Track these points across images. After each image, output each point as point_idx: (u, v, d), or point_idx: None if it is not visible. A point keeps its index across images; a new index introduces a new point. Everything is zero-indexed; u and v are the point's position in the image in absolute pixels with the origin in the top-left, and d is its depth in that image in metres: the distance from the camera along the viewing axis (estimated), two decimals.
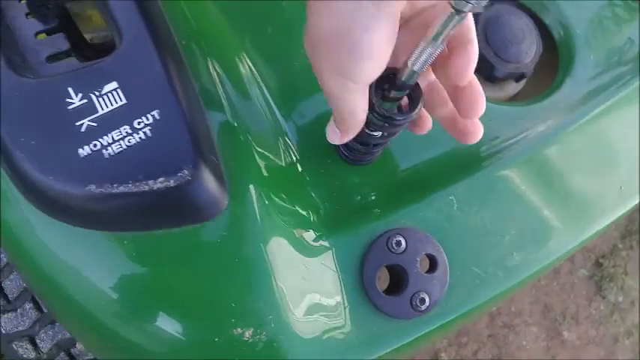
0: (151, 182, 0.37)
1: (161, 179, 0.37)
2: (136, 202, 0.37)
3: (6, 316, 0.62)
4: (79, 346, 0.64)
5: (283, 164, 0.49)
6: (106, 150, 0.37)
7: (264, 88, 0.52)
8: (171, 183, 0.37)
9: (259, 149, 0.47)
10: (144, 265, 0.39)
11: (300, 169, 0.51)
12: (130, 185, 0.36)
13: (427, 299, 0.46)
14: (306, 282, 0.44)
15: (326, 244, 0.46)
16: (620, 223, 1.72)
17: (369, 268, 0.46)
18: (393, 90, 0.40)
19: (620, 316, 1.61)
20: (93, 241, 0.39)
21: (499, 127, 0.56)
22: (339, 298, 0.45)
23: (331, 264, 0.46)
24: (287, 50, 0.55)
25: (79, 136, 0.37)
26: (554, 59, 0.66)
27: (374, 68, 0.34)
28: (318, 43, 0.34)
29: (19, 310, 0.62)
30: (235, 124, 0.46)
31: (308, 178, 0.50)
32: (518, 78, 0.62)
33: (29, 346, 0.61)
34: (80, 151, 0.37)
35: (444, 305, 0.48)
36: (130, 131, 0.37)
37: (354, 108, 0.38)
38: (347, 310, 0.45)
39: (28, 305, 0.62)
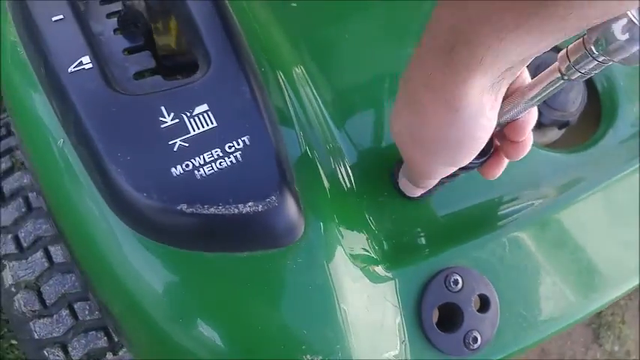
0: (240, 206, 0.38)
1: (250, 203, 0.38)
2: (224, 224, 0.38)
3: (41, 321, 0.61)
4: (110, 356, 0.64)
5: (343, 189, 0.50)
6: (198, 171, 0.38)
7: (323, 107, 0.53)
8: (260, 208, 0.38)
9: (324, 171, 0.48)
10: (224, 287, 0.40)
11: (358, 195, 0.52)
12: (220, 207, 0.37)
13: (479, 338, 0.47)
14: (370, 314, 0.45)
15: (390, 275, 0.47)
16: None
17: (427, 305, 0.47)
18: None
19: None
20: (176, 259, 0.39)
21: (547, 173, 0.58)
22: (398, 333, 0.46)
23: (393, 298, 0.47)
24: (345, 73, 0.57)
25: (172, 155, 0.38)
26: (595, 110, 0.68)
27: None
28: (429, 144, 0.35)
29: (55, 316, 0.62)
30: (306, 148, 0.47)
31: (365, 204, 0.51)
32: (562, 125, 0.65)
33: (60, 354, 0.61)
34: (173, 170, 0.38)
35: (494, 345, 0.49)
36: (221, 154, 0.39)
37: (438, 178, 0.40)
38: (405, 344, 0.46)
39: (65, 312, 0.62)
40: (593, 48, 0.28)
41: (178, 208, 0.37)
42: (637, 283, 0.54)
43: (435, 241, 0.52)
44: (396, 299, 0.46)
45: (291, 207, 0.39)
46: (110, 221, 0.39)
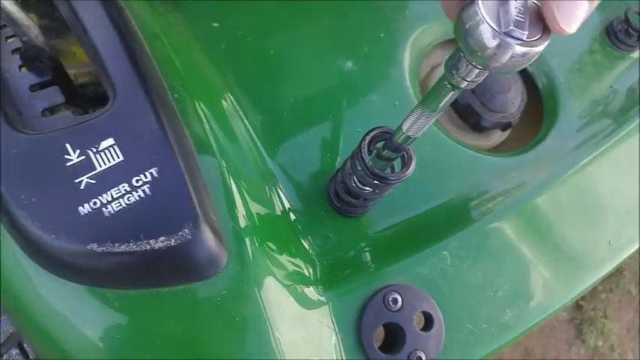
0: (152, 241, 0.36)
1: (162, 238, 0.36)
2: (137, 261, 0.36)
3: None
4: None
5: (276, 213, 0.49)
6: (106, 208, 0.36)
7: (253, 134, 0.52)
8: (172, 242, 0.36)
9: (252, 198, 0.47)
10: (143, 323, 0.38)
11: (292, 217, 0.51)
12: (131, 244, 0.36)
13: (424, 357, 0.46)
14: (305, 340, 0.43)
15: (323, 299, 0.46)
16: None
17: (366, 327, 0.46)
18: (387, 150, 0.41)
19: None
20: (91, 298, 0.38)
21: (488, 179, 0.57)
22: (337, 355, 0.44)
23: (328, 320, 0.45)
24: (274, 94, 0.56)
25: (79, 193, 0.36)
26: (540, 106, 0.68)
27: None
28: None
29: (4, 356, 0.60)
30: (229, 174, 0.45)
31: (300, 228, 0.50)
32: (505, 127, 0.64)
33: None
34: (80, 209, 0.36)
35: None
36: (128, 189, 0.37)
37: None
38: None
39: (15, 351, 0.61)
40: (468, 54, 0.28)
41: (88, 248, 0.35)
42: (577, 293, 0.53)
43: (373, 258, 0.50)
44: (331, 322, 0.45)
45: (207, 238, 0.38)
46: (25, 265, 0.38)
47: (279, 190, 0.50)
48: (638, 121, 0.62)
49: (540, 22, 0.26)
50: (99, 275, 0.37)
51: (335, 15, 0.63)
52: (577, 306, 1.67)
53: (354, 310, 0.46)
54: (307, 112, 0.56)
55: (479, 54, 0.26)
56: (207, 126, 0.47)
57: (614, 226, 0.57)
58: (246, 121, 0.53)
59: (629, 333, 1.68)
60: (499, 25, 0.25)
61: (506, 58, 0.26)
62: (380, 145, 0.43)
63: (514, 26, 0.25)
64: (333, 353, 0.45)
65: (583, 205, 0.58)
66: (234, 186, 0.45)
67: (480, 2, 0.26)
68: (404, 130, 0.38)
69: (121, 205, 0.36)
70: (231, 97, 0.54)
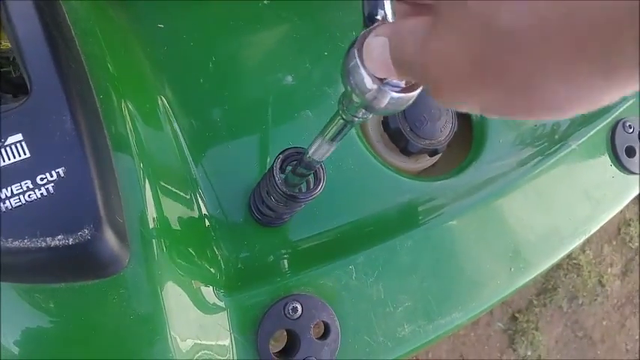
0: (48, 239, 0.37)
1: (59, 237, 0.38)
2: (32, 258, 0.37)
3: None
4: None
5: (191, 217, 0.51)
6: (4, 203, 0.37)
7: (180, 137, 0.53)
8: (70, 241, 0.38)
9: (167, 200, 0.48)
10: (39, 317, 0.40)
11: (207, 223, 0.52)
12: (25, 241, 0.37)
13: None
14: (201, 341, 0.45)
15: (222, 304, 0.48)
16: (537, 280, 1.82)
17: (263, 332, 0.48)
18: (299, 167, 0.43)
19: None
20: None
21: (406, 201, 0.60)
22: (231, 358, 0.47)
23: (225, 324, 0.47)
24: (209, 100, 0.57)
25: None
26: (467, 135, 0.71)
27: None
28: None
29: None
30: (145, 176, 0.47)
31: (214, 235, 0.52)
32: (432, 153, 0.67)
33: None
34: None
35: None
36: (31, 186, 0.38)
37: None
38: None
39: None
40: (353, 96, 0.28)
41: None
42: (475, 314, 0.57)
43: (283, 268, 0.53)
44: (229, 326, 0.47)
45: (107, 239, 0.39)
46: None
47: (199, 196, 0.52)
48: (554, 159, 0.65)
49: None
50: None
51: (281, 28, 0.64)
52: (513, 317, 1.73)
53: (254, 316, 0.49)
54: (240, 122, 0.57)
55: (360, 96, 0.27)
56: (130, 127, 0.48)
57: (516, 254, 0.60)
58: (175, 125, 0.54)
59: (557, 345, 1.76)
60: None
61: (385, 102, 0.26)
62: (294, 163, 0.45)
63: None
64: (228, 355, 0.47)
65: (491, 233, 0.61)
66: (148, 187, 0.46)
67: (355, 48, 0.26)
68: (309, 154, 0.40)
69: (20, 202, 0.37)
70: (164, 99, 0.55)
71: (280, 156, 0.45)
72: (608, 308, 1.86)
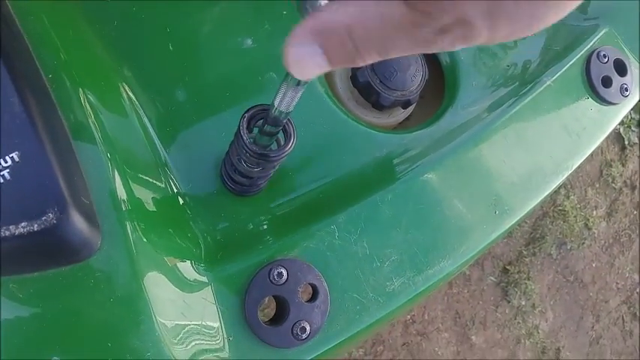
0: (12, 227, 0.36)
1: (23, 224, 0.36)
2: None
3: None
4: None
5: (163, 196, 0.49)
6: None
7: (144, 117, 0.52)
8: (35, 227, 0.36)
9: (136, 180, 0.46)
10: (15, 309, 0.38)
11: (181, 200, 0.51)
12: None
13: (308, 328, 0.48)
14: (186, 317, 0.44)
15: (204, 278, 0.46)
16: (525, 230, 1.84)
17: (250, 300, 0.47)
18: (267, 125, 0.42)
19: (522, 319, 1.72)
20: None
21: (382, 156, 0.59)
22: (220, 331, 0.46)
23: (211, 297, 0.46)
24: (168, 72, 0.55)
25: None
26: (440, 83, 0.70)
27: None
28: None
29: None
30: (109, 157, 0.45)
31: (189, 211, 0.51)
32: (405, 105, 0.66)
33: None
34: None
35: (326, 332, 0.49)
36: None
37: None
38: (229, 342, 0.46)
39: None
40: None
41: None
42: (464, 261, 0.56)
43: (264, 235, 0.52)
44: (215, 299, 0.46)
45: (75, 222, 0.38)
46: None
47: (169, 174, 0.51)
48: (529, 98, 0.65)
49: None
50: None
51: (239, 12, 0.62)
52: (504, 270, 1.76)
53: (239, 286, 0.48)
54: (203, 92, 0.56)
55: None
56: (87, 107, 0.46)
57: (499, 198, 0.60)
58: (135, 101, 0.52)
59: (549, 292, 1.79)
60: None
61: None
62: (261, 122, 0.44)
63: None
64: (216, 327, 0.46)
65: (473, 179, 0.60)
66: (115, 169, 0.45)
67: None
68: (275, 106, 0.39)
69: None
70: (122, 80, 0.53)
71: (246, 115, 0.43)
72: (597, 250, 1.90)
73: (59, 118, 0.42)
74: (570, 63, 0.69)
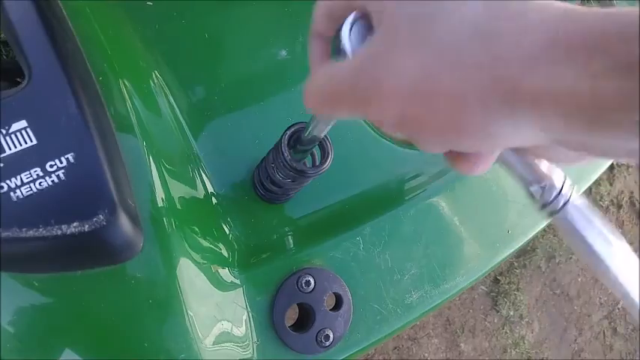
0: (64, 227, 0.37)
1: (75, 224, 0.37)
2: (48, 246, 0.36)
3: None
4: None
5: (198, 196, 0.50)
6: (15, 193, 0.36)
7: (180, 117, 0.53)
8: (86, 228, 0.37)
9: (174, 180, 0.47)
10: (58, 306, 0.39)
11: (214, 202, 0.52)
12: (41, 229, 0.36)
13: (331, 336, 0.49)
14: (218, 320, 0.45)
15: (237, 281, 0.48)
16: None
17: (278, 307, 0.48)
18: (300, 145, 0.43)
19: (509, 329, 1.75)
20: (4, 283, 0.38)
21: (405, 171, 0.61)
22: (249, 335, 0.47)
23: (242, 301, 0.47)
24: (204, 77, 0.56)
25: None
26: None
27: None
28: None
29: None
30: (150, 155, 0.46)
31: (222, 212, 0.52)
32: None
33: None
34: None
35: (347, 340, 0.51)
36: (41, 174, 0.37)
37: None
38: (256, 346, 0.47)
39: None
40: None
41: None
42: (476, 277, 0.58)
43: (292, 243, 0.53)
44: (245, 303, 0.47)
45: (122, 224, 0.39)
46: None
47: (203, 174, 0.51)
48: None
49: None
50: (8, 260, 0.38)
51: (273, 2, 0.62)
52: (495, 280, 1.79)
53: (268, 292, 0.49)
54: (237, 98, 0.56)
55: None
56: (130, 107, 0.47)
57: (513, 217, 0.62)
58: (173, 103, 0.53)
59: (537, 303, 1.83)
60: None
61: None
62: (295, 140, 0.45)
63: None
64: (245, 331, 0.47)
65: (489, 198, 0.62)
66: (154, 167, 0.46)
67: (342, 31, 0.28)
68: (309, 131, 0.40)
69: (31, 190, 0.37)
70: (159, 77, 0.54)
71: (287, 132, 0.45)
72: (583, 265, 1.94)
73: (107, 117, 0.43)
74: None
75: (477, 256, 0.59)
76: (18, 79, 0.61)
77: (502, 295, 1.77)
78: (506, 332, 1.75)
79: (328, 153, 0.44)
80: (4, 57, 0.50)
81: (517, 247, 0.62)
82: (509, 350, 1.74)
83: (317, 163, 0.45)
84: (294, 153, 0.44)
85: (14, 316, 0.38)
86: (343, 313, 0.51)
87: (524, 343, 1.77)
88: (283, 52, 0.59)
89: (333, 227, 0.54)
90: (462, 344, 1.68)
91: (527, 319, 1.79)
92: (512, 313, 1.78)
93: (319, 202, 0.55)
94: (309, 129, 0.39)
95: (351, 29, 0.27)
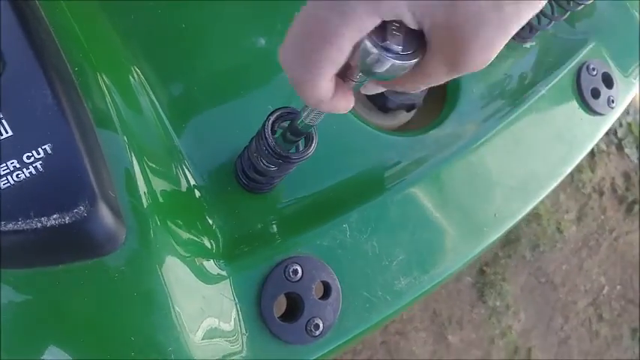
0: (43, 219, 0.36)
1: (55, 216, 0.36)
2: (28, 240, 0.36)
3: None
4: None
5: (181, 189, 0.49)
6: None
7: (159, 108, 0.52)
8: (66, 220, 0.36)
9: (155, 173, 0.47)
10: (39, 302, 0.38)
11: (198, 194, 0.51)
12: (20, 223, 0.35)
13: (321, 325, 0.49)
14: (205, 312, 0.44)
15: (224, 273, 0.47)
16: None
17: (266, 297, 0.48)
18: (290, 133, 0.42)
19: (496, 319, 1.76)
20: None
21: (389, 157, 0.61)
22: (237, 327, 0.46)
23: (229, 293, 0.47)
24: (183, 68, 0.55)
25: None
26: (444, 89, 0.72)
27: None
28: None
29: None
30: (131, 149, 0.45)
31: (206, 205, 0.51)
32: (409, 108, 0.68)
33: None
34: None
35: (337, 329, 0.51)
36: (18, 166, 0.36)
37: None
38: (245, 337, 0.47)
39: None
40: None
41: None
42: (464, 263, 0.58)
43: (278, 232, 0.52)
44: (232, 294, 0.47)
45: (104, 215, 0.38)
46: None
47: (185, 167, 0.51)
48: (525, 107, 0.67)
49: (415, 38, 0.29)
50: None
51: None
52: (480, 271, 1.80)
53: (255, 282, 0.48)
54: (217, 89, 0.56)
55: (360, 60, 0.29)
56: (109, 100, 0.46)
57: (499, 201, 0.62)
58: (152, 96, 0.52)
59: (522, 293, 1.84)
60: (378, 39, 0.28)
61: (385, 67, 0.28)
62: (285, 124, 0.44)
63: (390, 41, 0.27)
64: (233, 323, 0.46)
65: (473, 182, 0.62)
66: (135, 161, 0.45)
67: None
68: (302, 119, 0.40)
69: (8, 183, 0.36)
70: (137, 70, 0.53)
71: (270, 117, 0.44)
72: (567, 253, 1.96)
73: (85, 109, 0.42)
74: (562, 74, 0.72)
75: (464, 241, 0.59)
76: None
77: (488, 285, 1.78)
78: (493, 323, 1.77)
79: (312, 137, 0.44)
80: None
81: (504, 230, 0.62)
82: (496, 341, 1.75)
83: (301, 149, 0.45)
84: (284, 142, 0.44)
85: None
86: (332, 302, 0.50)
87: (511, 333, 1.79)
88: (262, 41, 0.59)
89: (319, 215, 0.53)
90: (449, 336, 1.69)
91: (513, 309, 1.80)
92: (498, 303, 1.79)
93: (304, 190, 0.55)
94: (303, 117, 0.39)
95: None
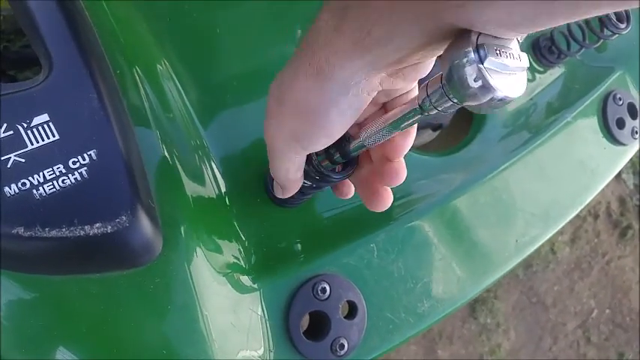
0: (87, 227, 0.35)
1: (97, 225, 0.35)
2: (69, 247, 0.35)
3: None
4: None
5: (211, 196, 0.49)
6: (37, 190, 0.34)
7: (191, 109, 0.51)
8: (109, 229, 0.35)
9: (188, 180, 0.46)
10: (75, 310, 0.37)
11: (227, 202, 0.50)
12: (63, 230, 0.34)
13: (346, 345, 0.48)
14: (235, 327, 0.44)
15: (255, 286, 0.46)
16: None
17: (294, 314, 0.47)
18: (338, 154, 0.41)
19: (486, 337, 1.77)
20: (20, 284, 0.36)
21: (415, 177, 0.60)
22: (264, 344, 0.46)
23: (257, 308, 0.46)
24: (215, 73, 0.55)
25: (6, 172, 0.34)
26: (469, 112, 0.72)
27: (328, 144, 0.35)
28: (287, 104, 0.33)
29: None
30: (165, 149, 0.44)
31: (235, 212, 0.50)
32: (436, 128, 0.67)
33: None
34: (7, 189, 0.34)
35: (360, 349, 0.50)
36: (64, 171, 0.35)
37: (290, 172, 0.40)
38: (271, 354, 0.46)
39: None
40: (447, 87, 0.27)
41: (14, 232, 0.33)
42: (485, 286, 0.58)
43: (305, 248, 0.52)
44: (261, 310, 0.46)
45: (144, 226, 0.37)
46: None
47: (215, 171, 0.50)
48: (550, 133, 0.67)
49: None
50: (27, 260, 0.35)
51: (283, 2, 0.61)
52: None
53: (283, 298, 0.48)
54: (249, 94, 0.55)
55: (460, 90, 0.26)
56: (147, 104, 0.45)
57: (521, 227, 0.62)
58: (185, 98, 0.51)
59: (514, 311, 1.85)
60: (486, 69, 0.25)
61: (485, 99, 0.25)
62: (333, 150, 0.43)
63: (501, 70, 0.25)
64: (261, 339, 0.46)
65: (497, 207, 0.62)
66: (170, 165, 0.44)
67: (473, 38, 0.25)
68: (361, 139, 0.38)
69: (54, 188, 0.35)
70: (171, 73, 0.52)
71: None
72: (559, 274, 1.98)
73: (127, 113, 0.41)
74: (588, 102, 0.73)
75: (485, 266, 0.59)
76: (10, 73, 0.58)
77: (480, 302, 1.78)
78: (483, 340, 1.77)
79: (354, 161, 0.43)
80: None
81: (523, 257, 0.62)
82: (485, 358, 1.76)
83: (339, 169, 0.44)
84: (330, 163, 0.42)
85: (29, 319, 0.36)
86: (358, 322, 0.50)
87: (500, 350, 1.79)
88: (294, 48, 0.58)
89: (347, 233, 0.53)
90: (439, 351, 1.69)
91: (503, 327, 1.81)
92: (489, 320, 1.80)
93: (332, 207, 0.54)
94: (363, 137, 0.37)
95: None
